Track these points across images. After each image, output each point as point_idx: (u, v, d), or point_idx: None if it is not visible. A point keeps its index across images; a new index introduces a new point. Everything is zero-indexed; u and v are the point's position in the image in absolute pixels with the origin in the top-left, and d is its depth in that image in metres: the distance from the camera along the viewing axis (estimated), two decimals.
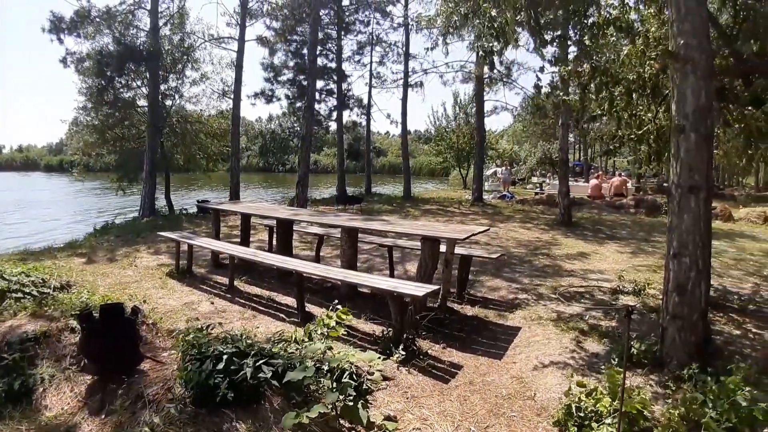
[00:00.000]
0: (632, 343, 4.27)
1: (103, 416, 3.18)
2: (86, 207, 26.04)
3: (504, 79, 21.23)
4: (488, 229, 6.69)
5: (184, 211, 15.26)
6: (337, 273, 5.17)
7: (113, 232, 11.89)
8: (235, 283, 6.58)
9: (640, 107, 6.85)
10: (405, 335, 4.56)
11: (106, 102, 15.44)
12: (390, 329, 4.76)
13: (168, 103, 16.41)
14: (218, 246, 6.80)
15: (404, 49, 21.40)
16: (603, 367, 4.07)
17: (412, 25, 20.76)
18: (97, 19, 14.54)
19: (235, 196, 16.00)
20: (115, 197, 20.50)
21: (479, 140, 19.68)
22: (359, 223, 6.20)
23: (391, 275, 7.23)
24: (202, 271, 7.57)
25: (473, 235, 5.48)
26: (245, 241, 8.00)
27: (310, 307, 5.73)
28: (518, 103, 25.04)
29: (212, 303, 5.91)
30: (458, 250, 5.95)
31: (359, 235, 6.47)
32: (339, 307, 4.08)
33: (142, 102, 16.03)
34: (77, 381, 3.59)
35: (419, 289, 4.50)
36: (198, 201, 15.11)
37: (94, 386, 3.48)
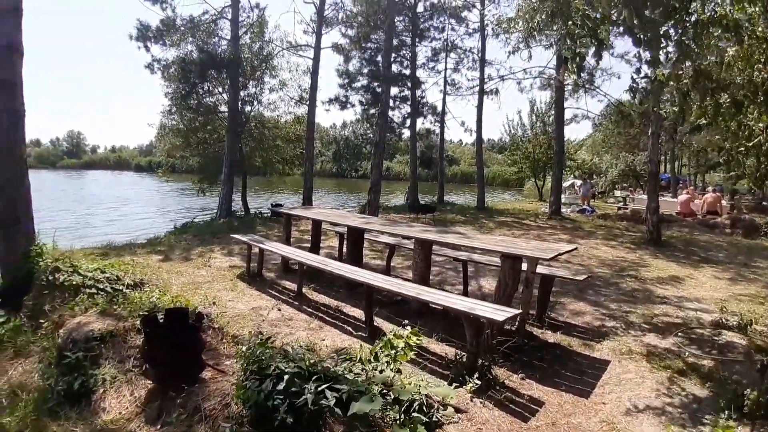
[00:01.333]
0: (741, 389, 3.67)
1: (158, 426, 3.07)
2: (170, 206, 27.48)
3: (586, 86, 20.26)
4: (575, 249, 6.14)
5: (258, 214, 15.59)
6: (409, 288, 4.88)
7: (191, 231, 12.28)
8: (304, 290, 6.45)
9: (750, 116, 6.07)
10: (480, 361, 4.20)
11: (189, 107, 16.12)
12: (464, 353, 4.42)
13: (247, 109, 16.89)
14: (288, 251, 6.72)
15: (480, 55, 20.87)
16: (708, 418, 3.51)
17: (489, 30, 20.28)
18: (182, 28, 15.23)
19: (307, 201, 16.15)
20: (197, 197, 21.39)
21: (558, 150, 18.77)
22: (434, 235, 5.87)
23: (465, 292, 6.85)
24: (272, 275, 7.54)
25: (560, 254, 5.00)
26: (315, 248, 7.90)
27: (378, 321, 5.47)
28: (599, 111, 23.69)
29: (279, 310, 5.80)
30: (539, 269, 5.49)
31: (432, 246, 6.16)
32: (409, 327, 3.79)
33: (223, 108, 16.59)
34: (138, 385, 3.52)
35: (498, 313, 4.11)
36: (272, 205, 15.37)
37: (153, 392, 3.39)
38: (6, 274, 5.38)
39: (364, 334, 5.10)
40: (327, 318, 5.62)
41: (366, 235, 7.57)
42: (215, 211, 16.74)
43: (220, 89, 16.49)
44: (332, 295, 6.50)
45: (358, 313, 5.83)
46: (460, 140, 74.39)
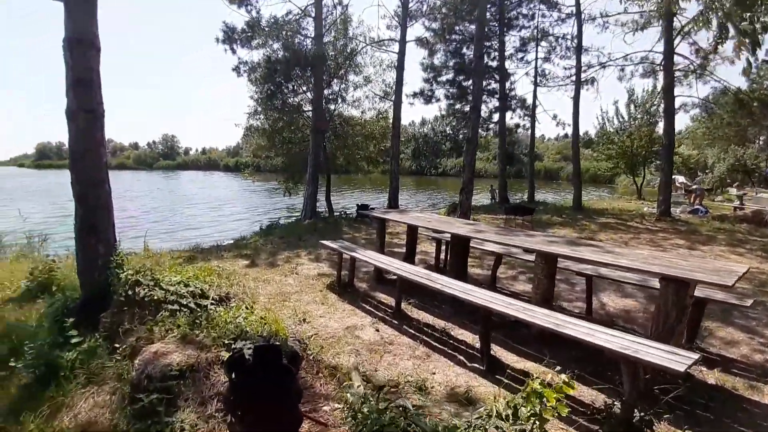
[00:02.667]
0: None
1: None
2: (256, 205, 27.95)
3: (698, 71, 18.09)
4: (748, 270, 4.81)
5: (343, 215, 15.09)
6: (540, 316, 3.93)
7: (277, 233, 11.93)
8: (402, 305, 5.67)
9: None
10: (639, 414, 3.22)
11: (274, 107, 15.93)
12: (615, 401, 3.44)
13: (331, 107, 16.47)
14: (384, 262, 5.94)
15: (576, 42, 19.15)
16: None
17: (586, 13, 18.64)
18: (266, 29, 15.03)
19: (393, 200, 15.47)
20: (282, 197, 21.40)
21: (668, 143, 16.80)
22: (563, 248, 4.83)
23: (588, 311, 5.78)
24: (364, 285, 6.82)
25: (740, 278, 3.86)
26: (410, 256, 7.11)
27: (494, 348, 4.59)
28: (706, 99, 20.96)
29: (377, 330, 5.05)
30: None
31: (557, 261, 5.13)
32: (563, 376, 2.87)
33: (307, 107, 16.27)
34: None
35: (674, 359, 3.09)
36: (358, 205, 14.83)
37: None
38: (84, 286, 5.01)
39: (480, 366, 4.23)
40: (433, 342, 4.78)
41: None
42: (300, 211, 16.50)
43: (305, 88, 16.18)
44: (435, 312, 5.66)
45: (469, 336, 4.96)
46: (542, 135, 71.03)
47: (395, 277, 5.54)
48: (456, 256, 6.24)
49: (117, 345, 3.98)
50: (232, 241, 12.05)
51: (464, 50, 21.47)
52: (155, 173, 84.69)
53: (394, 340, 4.81)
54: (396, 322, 5.30)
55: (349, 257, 6.47)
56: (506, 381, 3.84)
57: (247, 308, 4.94)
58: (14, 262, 8.84)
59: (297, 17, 15.73)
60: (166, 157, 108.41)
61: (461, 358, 4.45)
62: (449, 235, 6.65)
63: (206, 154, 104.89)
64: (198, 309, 4.57)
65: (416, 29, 67.36)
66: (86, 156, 4.92)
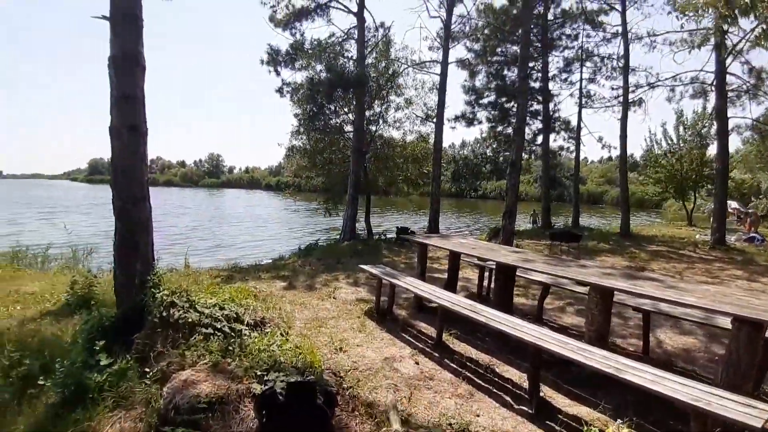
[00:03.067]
0: None
1: None
2: (296, 225, 28.14)
3: (751, 91, 17.25)
4: None
5: (383, 237, 14.88)
6: (598, 358, 3.55)
7: (315, 255, 11.81)
8: (444, 337, 5.37)
9: None
10: None
11: (316, 128, 16.01)
12: None
13: (372, 128, 16.43)
14: (425, 290, 5.65)
15: (622, 62, 18.54)
16: None
17: (632, 33, 18.10)
18: (309, 51, 15.20)
19: (434, 223, 15.17)
20: (321, 217, 21.43)
21: (721, 167, 15.97)
22: (620, 282, 4.40)
23: (645, 350, 5.34)
24: (403, 313, 6.54)
25: None
26: (452, 284, 6.80)
27: (543, 388, 4.22)
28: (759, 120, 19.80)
29: (417, 362, 4.75)
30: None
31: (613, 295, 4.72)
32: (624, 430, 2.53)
33: (349, 128, 16.28)
34: None
35: (746, 411, 2.71)
36: (398, 228, 14.60)
37: None
38: (120, 304, 4.94)
39: (528, 410, 3.87)
40: (476, 379, 4.44)
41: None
42: (339, 232, 16.41)
43: (346, 109, 16.22)
44: (478, 345, 5.32)
45: (515, 374, 4.60)
46: (585, 157, 69.26)
47: (436, 305, 5.25)
48: (501, 286, 5.89)
49: (147, 370, 3.83)
50: (270, 261, 12.02)
51: (506, 72, 21.17)
52: (200, 191, 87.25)
53: (435, 374, 4.51)
54: (437, 354, 5.00)
55: (388, 283, 6.22)
56: (558, 428, 3.49)
57: (281, 335, 4.75)
58: (58, 274, 9.00)
59: (340, 39, 15.90)
60: (211, 175, 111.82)
61: (507, 398, 4.11)
62: (493, 263, 6.33)
63: (249, 173, 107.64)
64: (232, 334, 4.41)
65: (458, 51, 67.54)
66: (128, 173, 4.88)
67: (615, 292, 4.68)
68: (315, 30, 26.87)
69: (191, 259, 11.87)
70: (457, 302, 5.03)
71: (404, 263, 10.48)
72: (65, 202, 46.32)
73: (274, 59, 15.45)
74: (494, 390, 4.26)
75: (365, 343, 5.26)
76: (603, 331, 4.57)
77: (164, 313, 4.46)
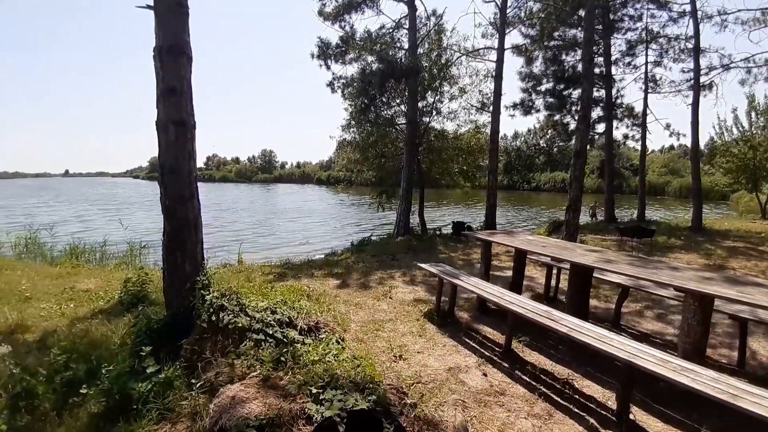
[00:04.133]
0: None
1: None
2: (348, 220, 28.03)
3: None
4: None
5: (438, 232, 14.34)
6: (708, 381, 2.94)
7: (369, 251, 11.48)
8: (513, 344, 4.86)
9: None
10: None
11: (368, 120, 15.65)
12: None
13: (425, 119, 15.90)
14: (492, 293, 5.13)
15: (692, 43, 17.13)
16: None
17: (701, 12, 16.69)
18: (360, 43, 14.82)
19: (490, 217, 14.54)
20: (373, 211, 21.15)
21: None
22: (724, 287, 3.71)
23: (740, 364, 4.64)
24: (465, 315, 6.05)
25: None
26: (517, 285, 6.24)
27: (631, 408, 3.66)
28: None
29: (485, 374, 4.27)
30: None
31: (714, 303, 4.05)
32: None
33: (401, 120, 15.84)
34: None
35: None
36: (454, 222, 14.04)
37: None
38: (169, 306, 4.72)
39: None
40: (553, 396, 3.91)
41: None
42: (392, 226, 16.04)
43: (398, 101, 15.77)
44: (551, 354, 4.77)
45: (598, 390, 4.04)
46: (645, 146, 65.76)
47: (503, 308, 4.74)
48: (576, 290, 5.28)
49: (194, 381, 3.55)
50: (323, 257, 11.79)
51: (564, 56, 20.09)
52: (254, 186, 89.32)
53: (506, 389, 4.02)
54: (506, 365, 4.49)
55: (449, 283, 5.76)
56: None
57: (337, 341, 4.40)
58: (114, 271, 9.05)
59: (390, 30, 15.45)
60: (264, 171, 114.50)
61: (592, 420, 3.56)
62: (565, 262, 5.73)
63: (301, 168, 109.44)
64: (284, 341, 4.09)
65: (512, 37, 65.52)
66: (175, 170, 4.64)
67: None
68: (364, 21, 26.59)
69: (246, 255, 11.85)
70: (531, 308, 4.49)
71: (462, 260, 9.97)
72: (129, 199, 48.27)
73: (324, 52, 15.19)
74: (575, 410, 3.72)
75: (426, 350, 4.83)
76: (701, 345, 3.93)
77: (213, 318, 4.18)
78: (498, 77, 14.86)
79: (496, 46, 15.24)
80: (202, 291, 4.50)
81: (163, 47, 4.52)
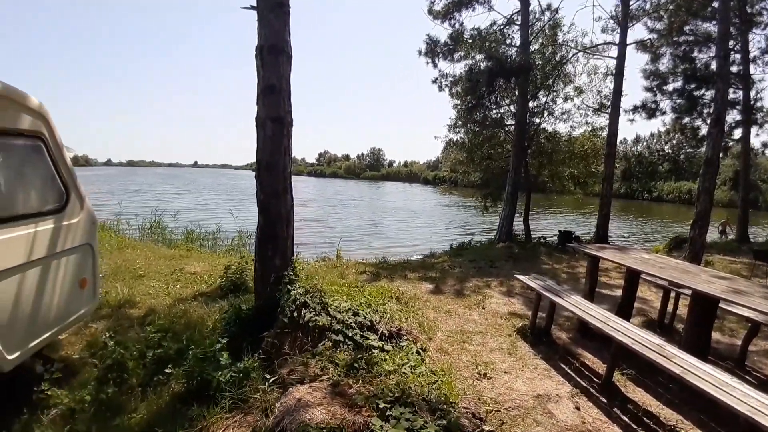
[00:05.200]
0: None
1: None
2: (449, 221, 27.68)
3: None
4: None
5: (542, 241, 13.55)
6: None
7: (467, 255, 11.12)
8: (614, 377, 4.33)
9: None
10: None
11: (475, 120, 15.19)
12: None
13: (536, 120, 15.11)
14: (596, 317, 4.59)
15: None
16: None
17: None
18: (469, 41, 14.38)
19: (602, 228, 13.48)
20: (475, 215, 20.64)
21: None
22: None
23: None
24: (564, 336, 5.54)
25: None
26: (626, 310, 5.58)
27: None
28: None
29: (577, 407, 3.82)
30: None
31: None
32: None
33: (510, 120, 15.20)
34: None
35: None
36: (560, 232, 13.19)
37: None
38: (258, 299, 4.82)
39: None
40: None
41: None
42: (494, 232, 15.48)
43: (507, 101, 15.14)
44: (659, 393, 4.14)
45: None
46: None
47: (612, 347, 4.22)
48: (697, 322, 4.56)
49: (267, 376, 3.54)
50: (420, 258, 11.63)
51: (695, 53, 18.06)
52: (362, 183, 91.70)
53: (600, 428, 3.54)
54: (604, 399, 3.99)
55: (548, 299, 5.31)
56: None
57: (418, 352, 4.20)
58: (221, 257, 9.57)
59: (501, 27, 14.85)
60: (371, 168, 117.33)
61: None
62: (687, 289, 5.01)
63: (407, 167, 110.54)
64: (362, 345, 3.98)
65: (636, 31, 60.68)
66: (271, 165, 4.71)
67: None
68: (474, 18, 25.96)
69: (345, 250, 12.05)
70: (640, 339, 3.94)
71: (566, 273, 9.28)
72: (245, 190, 51.65)
73: (432, 50, 14.95)
74: None
75: (514, 371, 4.46)
76: None
77: (295, 314, 4.18)
78: (618, 75, 13.72)
79: (617, 42, 14.08)
80: (288, 286, 4.53)
81: (264, 46, 4.60)
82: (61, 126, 3.91)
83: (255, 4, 4.66)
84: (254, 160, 4.85)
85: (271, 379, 3.49)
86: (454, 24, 14.86)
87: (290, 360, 3.73)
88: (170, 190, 49.08)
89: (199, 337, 4.53)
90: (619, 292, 6.89)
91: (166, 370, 3.83)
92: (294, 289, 4.46)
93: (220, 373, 3.53)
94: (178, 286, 6.82)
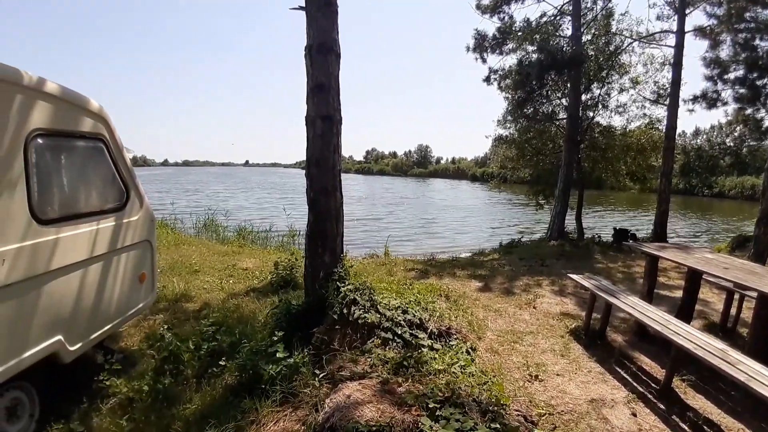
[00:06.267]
0: None
1: None
2: (499, 218, 27.26)
3: None
4: None
5: (596, 239, 13.09)
6: None
7: (517, 253, 10.91)
8: (674, 382, 4.13)
9: None
10: None
11: (525, 115, 14.86)
12: None
13: (589, 114, 14.61)
14: (654, 319, 4.38)
15: None
16: None
17: None
18: (519, 34, 14.04)
19: (660, 226, 12.91)
20: (525, 212, 20.24)
21: None
22: None
23: None
24: (619, 338, 5.33)
25: None
26: (687, 312, 5.32)
27: None
28: None
29: (634, 413, 3.65)
30: None
31: None
32: None
33: (562, 114, 14.77)
34: None
35: None
36: (615, 229, 12.71)
37: None
38: (308, 295, 4.88)
39: None
40: None
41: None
42: (545, 229, 15.11)
43: (559, 94, 14.73)
44: (720, 400, 3.90)
45: None
46: None
47: (672, 350, 4.02)
48: (762, 326, 4.29)
49: (317, 371, 3.59)
50: (469, 255, 11.51)
51: (757, 41, 16.91)
52: (409, 180, 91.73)
53: None
54: (662, 406, 3.80)
55: (603, 300, 5.13)
56: None
57: (467, 351, 4.15)
58: (273, 253, 9.77)
59: (552, 18, 14.41)
60: (419, 165, 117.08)
61: None
62: (754, 291, 4.72)
63: (455, 164, 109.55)
64: (412, 342, 3.97)
65: (694, 18, 57.52)
66: (321, 163, 4.76)
67: None
68: (523, 10, 25.33)
69: (394, 247, 12.08)
70: (702, 344, 3.74)
71: (622, 273, 8.94)
72: (296, 188, 52.59)
73: (481, 45, 14.65)
74: None
75: (567, 373, 4.33)
76: None
77: (344, 310, 4.22)
78: (677, 64, 13.10)
79: (674, 29, 13.43)
80: (337, 282, 4.57)
81: (313, 45, 4.65)
82: (120, 128, 4.09)
83: (303, 5, 4.71)
84: (303, 158, 4.92)
85: (321, 375, 3.53)
86: (503, 17, 14.54)
87: (339, 356, 3.76)
88: (223, 189, 50.67)
89: (251, 331, 4.66)
90: (678, 294, 6.59)
91: (220, 363, 3.95)
92: (343, 286, 4.50)
93: (271, 366, 3.60)
94: (231, 281, 7.02)
